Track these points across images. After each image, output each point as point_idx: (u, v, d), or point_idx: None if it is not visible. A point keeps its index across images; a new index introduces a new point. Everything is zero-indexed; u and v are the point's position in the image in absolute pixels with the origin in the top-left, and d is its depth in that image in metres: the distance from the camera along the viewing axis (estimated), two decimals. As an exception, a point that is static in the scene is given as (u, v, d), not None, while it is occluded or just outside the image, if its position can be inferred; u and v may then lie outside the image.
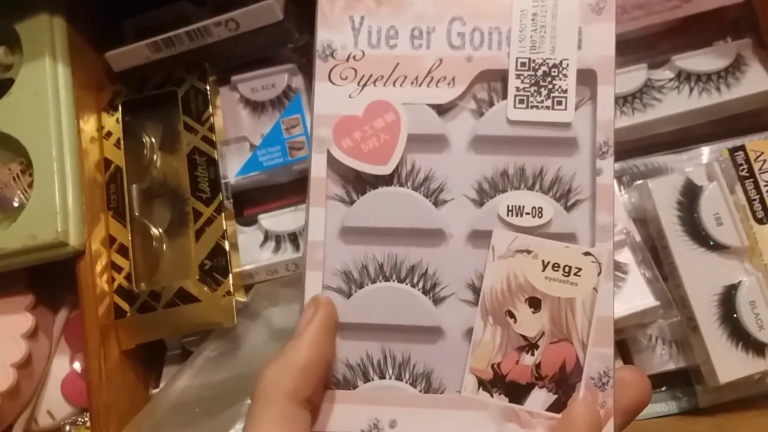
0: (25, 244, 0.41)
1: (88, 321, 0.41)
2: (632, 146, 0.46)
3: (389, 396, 0.27)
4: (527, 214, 0.27)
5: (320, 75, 0.28)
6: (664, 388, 0.43)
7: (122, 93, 0.47)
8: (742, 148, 0.43)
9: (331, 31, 0.28)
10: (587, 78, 0.27)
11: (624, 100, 0.45)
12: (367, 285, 0.27)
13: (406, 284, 0.27)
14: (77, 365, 0.46)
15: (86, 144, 0.44)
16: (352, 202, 0.28)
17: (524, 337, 0.26)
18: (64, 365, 0.47)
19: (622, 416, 0.25)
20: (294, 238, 0.46)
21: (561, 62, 0.27)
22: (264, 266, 0.45)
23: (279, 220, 0.46)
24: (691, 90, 0.45)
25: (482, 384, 0.26)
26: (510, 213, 0.27)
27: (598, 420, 0.25)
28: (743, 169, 0.43)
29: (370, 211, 0.27)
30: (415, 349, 0.27)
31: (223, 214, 0.43)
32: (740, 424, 0.41)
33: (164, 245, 0.45)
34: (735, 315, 0.40)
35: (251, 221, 0.47)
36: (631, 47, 0.48)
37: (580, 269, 0.26)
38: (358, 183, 0.28)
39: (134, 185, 0.45)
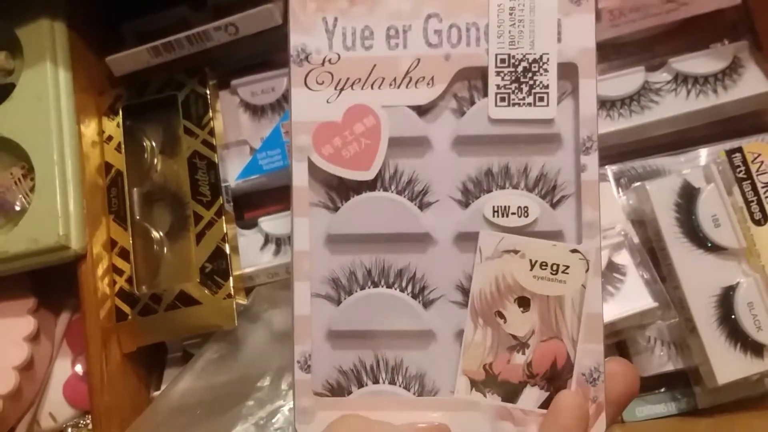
0: (27, 248, 0.41)
1: (89, 324, 0.42)
2: (630, 148, 0.46)
3: (384, 401, 0.27)
4: (513, 214, 0.27)
5: (296, 80, 0.27)
6: (662, 390, 0.43)
7: (123, 97, 0.47)
8: (740, 149, 0.43)
9: (304, 34, 0.27)
10: (568, 72, 0.27)
11: (621, 103, 0.46)
12: (356, 291, 0.27)
13: (395, 289, 0.27)
14: (79, 368, 0.47)
15: (87, 148, 0.44)
16: (336, 208, 0.27)
17: (515, 337, 0.26)
18: (66, 368, 0.47)
19: (612, 407, 0.25)
20: (294, 240, 0.46)
21: (541, 57, 0.27)
22: (264, 269, 0.45)
23: (279, 223, 0.47)
24: (689, 92, 0.45)
25: (475, 385, 0.27)
26: (496, 214, 0.27)
27: (584, 409, 0.25)
28: (740, 170, 0.43)
29: (355, 217, 0.27)
30: (407, 353, 0.27)
31: (223, 217, 0.43)
32: (739, 425, 0.41)
33: (165, 248, 0.45)
34: (733, 316, 0.40)
35: (252, 224, 0.47)
36: (629, 50, 0.48)
37: (567, 267, 0.26)
38: (341, 189, 0.27)
39: (135, 189, 0.46)
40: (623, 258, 0.42)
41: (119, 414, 0.41)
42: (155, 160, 0.47)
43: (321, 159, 0.27)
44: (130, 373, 0.44)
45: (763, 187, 0.42)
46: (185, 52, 0.47)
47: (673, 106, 0.45)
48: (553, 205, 0.27)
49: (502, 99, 0.27)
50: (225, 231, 0.43)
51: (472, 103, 0.27)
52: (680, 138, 0.46)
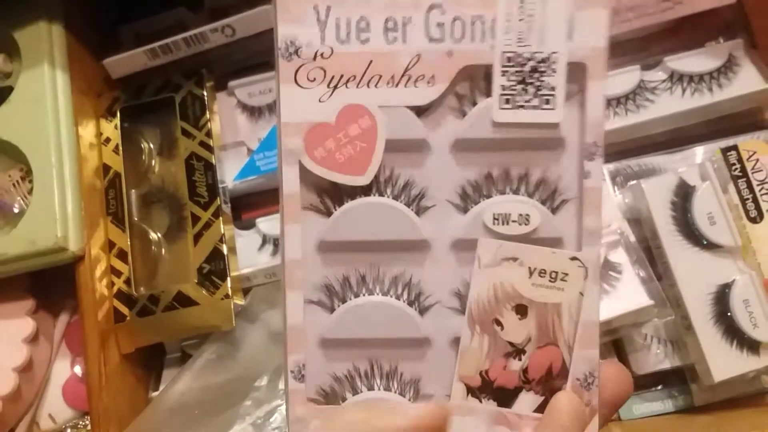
0: (26, 250, 0.41)
1: (87, 325, 0.42)
2: (626, 147, 0.46)
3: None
4: (514, 222, 0.26)
5: (285, 77, 0.25)
6: (659, 387, 0.43)
7: (120, 99, 0.48)
8: (735, 147, 0.43)
9: (293, 24, 0.25)
10: (577, 72, 0.25)
11: (617, 102, 0.46)
12: (350, 299, 0.26)
13: (390, 296, 0.26)
14: (78, 369, 0.47)
15: (85, 150, 0.45)
16: (329, 213, 0.26)
17: (511, 344, 0.26)
18: (65, 369, 0.47)
19: (605, 409, 0.25)
20: (291, 241, 0.46)
21: (550, 56, 0.25)
22: (262, 269, 0.45)
23: (277, 223, 0.46)
24: (684, 91, 0.46)
25: (471, 391, 0.26)
26: (496, 222, 0.26)
27: (581, 409, 0.25)
28: (736, 168, 0.43)
29: (349, 223, 0.26)
30: (403, 359, 0.27)
31: (221, 218, 0.44)
32: (735, 422, 0.41)
33: (163, 249, 0.45)
34: (729, 314, 0.41)
35: (249, 225, 0.47)
36: (624, 49, 0.48)
37: (566, 274, 0.26)
38: (334, 193, 0.26)
39: (133, 190, 0.46)
40: (619, 256, 0.42)
41: (118, 414, 0.41)
42: (153, 162, 0.47)
43: (313, 163, 0.25)
44: (128, 374, 0.44)
45: (758, 185, 0.43)
46: (183, 54, 0.47)
47: (669, 104, 0.45)
48: (553, 210, 0.26)
49: (507, 101, 0.25)
50: (222, 232, 0.43)
51: (474, 103, 0.25)
52: (676, 136, 0.46)
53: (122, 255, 0.44)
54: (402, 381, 0.27)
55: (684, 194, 0.42)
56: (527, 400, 0.26)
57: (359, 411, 0.25)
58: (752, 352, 0.40)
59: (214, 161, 0.45)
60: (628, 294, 0.41)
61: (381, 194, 0.26)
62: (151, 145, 0.47)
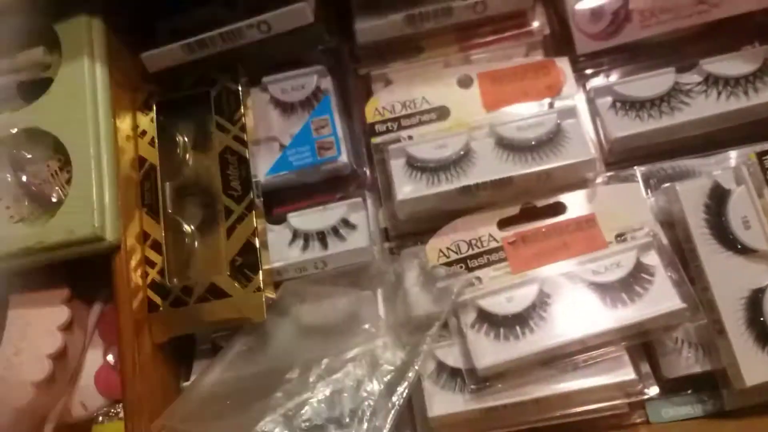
0: (63, 239, 0.42)
1: (122, 314, 0.42)
2: (660, 149, 0.46)
3: None
4: None
5: None
6: (689, 391, 0.43)
7: (156, 93, 0.48)
8: (770, 152, 0.43)
9: None
10: None
11: (651, 104, 0.46)
12: None
13: None
14: (110, 358, 0.47)
15: (122, 142, 0.45)
16: None
17: None
18: (97, 358, 0.48)
19: None
20: (322, 236, 0.46)
21: None
22: (292, 264, 0.46)
23: (307, 218, 0.47)
24: (719, 94, 0.45)
25: None
26: None
27: None
28: (771, 173, 0.43)
29: None
30: None
31: (253, 212, 0.44)
32: (765, 427, 0.41)
33: (196, 242, 0.46)
34: (762, 319, 0.40)
35: (280, 220, 0.48)
36: (659, 51, 0.48)
37: None
38: None
39: (167, 183, 0.47)
40: (652, 259, 0.42)
41: (150, 403, 0.42)
42: (187, 155, 0.47)
43: None
44: (160, 364, 0.44)
45: (794, 190, 0.42)
46: (218, 49, 0.48)
47: (704, 107, 0.45)
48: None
49: None
50: (255, 225, 0.44)
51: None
52: (710, 139, 0.46)
53: (156, 246, 0.45)
54: None
55: (718, 198, 0.42)
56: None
57: None
58: (785, 358, 0.40)
59: (247, 155, 0.45)
60: (660, 296, 0.41)
61: None
62: (186, 139, 0.48)
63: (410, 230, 0.47)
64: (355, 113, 0.50)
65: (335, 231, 0.46)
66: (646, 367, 0.42)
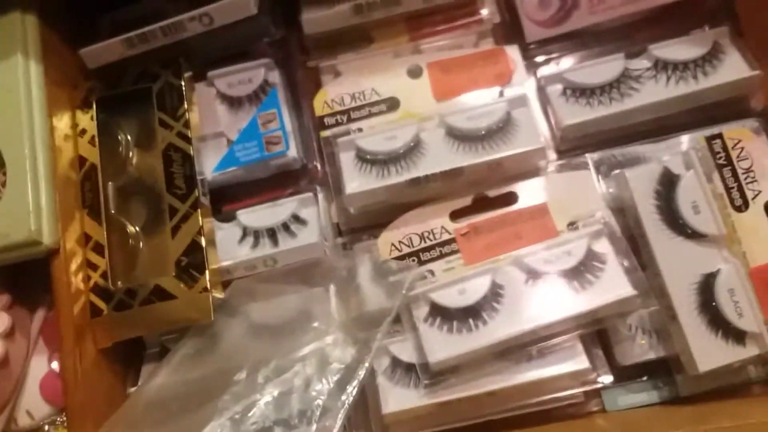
0: (-2, 243, 0.40)
1: (63, 320, 0.41)
2: (610, 136, 0.46)
3: None
4: None
5: None
6: (644, 378, 0.43)
7: (97, 90, 0.47)
8: (720, 136, 0.43)
9: None
10: None
11: (602, 90, 0.45)
12: None
13: None
14: (55, 365, 0.46)
15: (60, 141, 0.44)
16: None
17: None
18: (42, 365, 0.46)
19: None
20: (272, 233, 0.45)
21: None
22: (242, 262, 0.45)
23: (257, 215, 0.46)
24: (669, 79, 0.45)
25: None
26: None
27: None
28: (721, 157, 0.42)
29: None
30: None
31: (199, 210, 0.43)
32: (721, 412, 0.40)
33: (141, 243, 0.44)
34: (714, 303, 0.40)
35: (230, 217, 0.47)
36: (608, 37, 0.48)
37: None
38: None
39: (110, 183, 0.45)
40: (603, 246, 0.42)
41: (94, 410, 0.40)
42: (130, 154, 0.46)
43: None
44: (105, 370, 0.43)
45: (743, 174, 0.42)
46: (160, 43, 0.46)
47: (653, 92, 0.45)
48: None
49: None
50: (201, 224, 0.42)
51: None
52: (661, 125, 0.46)
53: (99, 248, 0.44)
54: None
55: (668, 183, 0.42)
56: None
57: None
58: (737, 342, 0.40)
59: (192, 152, 0.44)
60: (612, 284, 0.41)
61: None
62: (128, 137, 0.46)
63: (362, 224, 0.46)
64: (305, 106, 0.49)
65: (286, 227, 0.45)
66: (600, 356, 0.42)
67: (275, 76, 0.48)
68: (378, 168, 0.44)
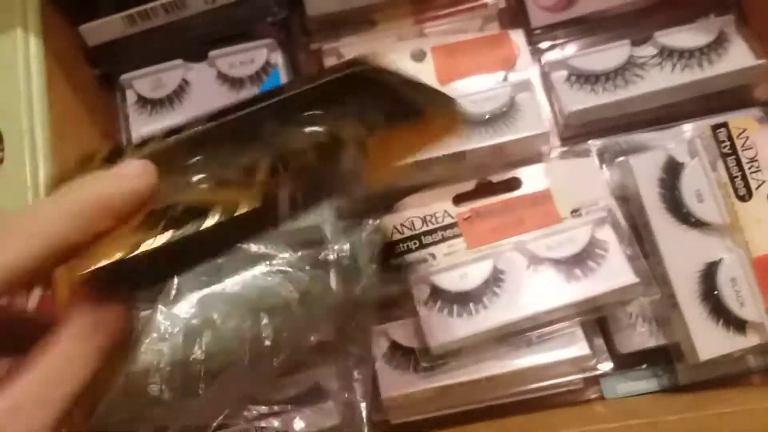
0: (-5, 219, 0.40)
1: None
2: (615, 123, 0.45)
3: None
4: None
5: None
6: (644, 366, 0.43)
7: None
8: (725, 125, 0.42)
9: None
10: None
11: (606, 77, 0.45)
12: None
13: None
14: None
15: (58, 116, 0.43)
16: None
17: None
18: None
19: None
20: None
21: None
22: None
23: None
24: (674, 66, 0.45)
25: None
26: None
27: None
28: (725, 146, 0.42)
29: None
30: None
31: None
32: (720, 401, 0.40)
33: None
34: (716, 292, 0.40)
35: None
36: (614, 23, 0.47)
37: None
38: None
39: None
40: (606, 233, 0.42)
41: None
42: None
43: None
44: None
45: (747, 163, 0.42)
46: (161, 21, 0.46)
47: (658, 80, 0.44)
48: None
49: None
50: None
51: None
52: (665, 113, 0.45)
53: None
54: None
55: (672, 171, 0.42)
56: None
57: None
58: (739, 332, 0.40)
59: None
60: (614, 272, 0.40)
61: None
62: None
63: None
64: (307, 89, 0.48)
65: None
66: (600, 343, 0.41)
67: (277, 57, 0.48)
68: (380, 151, 0.44)
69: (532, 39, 0.47)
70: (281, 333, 0.33)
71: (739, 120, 0.43)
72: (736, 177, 0.42)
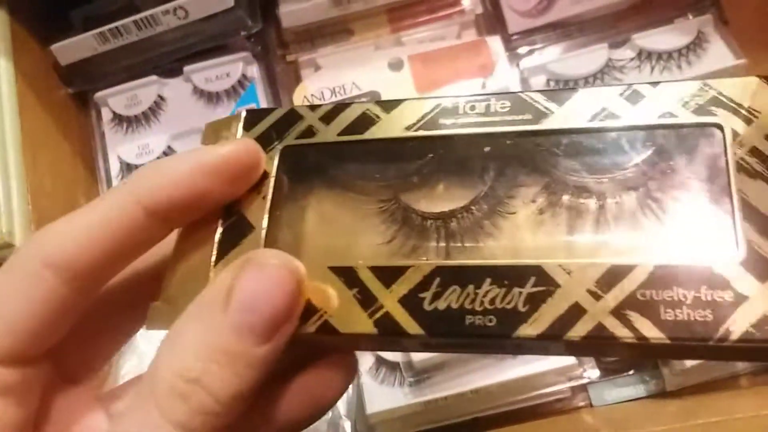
0: (-31, 246, 0.39)
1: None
2: (595, 128, 0.45)
3: None
4: None
5: None
6: (631, 372, 0.42)
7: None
8: (705, 126, 0.42)
9: None
10: None
11: (585, 81, 0.44)
12: None
13: None
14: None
15: (31, 140, 0.43)
16: None
17: None
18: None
19: None
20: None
21: None
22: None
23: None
24: (653, 69, 0.44)
25: None
26: None
27: None
28: (706, 147, 0.42)
29: None
30: None
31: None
32: (707, 406, 0.40)
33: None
34: (700, 296, 0.40)
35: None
36: (592, 27, 0.47)
37: None
38: None
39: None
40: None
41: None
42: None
43: None
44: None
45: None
46: (134, 38, 0.45)
47: (637, 82, 0.44)
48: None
49: None
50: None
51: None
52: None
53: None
54: None
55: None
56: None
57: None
58: (724, 335, 0.39)
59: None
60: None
61: None
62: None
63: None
64: (285, 101, 0.48)
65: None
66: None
67: (254, 71, 0.47)
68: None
69: (510, 44, 0.47)
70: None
71: (719, 121, 0.43)
72: (718, 179, 0.41)
